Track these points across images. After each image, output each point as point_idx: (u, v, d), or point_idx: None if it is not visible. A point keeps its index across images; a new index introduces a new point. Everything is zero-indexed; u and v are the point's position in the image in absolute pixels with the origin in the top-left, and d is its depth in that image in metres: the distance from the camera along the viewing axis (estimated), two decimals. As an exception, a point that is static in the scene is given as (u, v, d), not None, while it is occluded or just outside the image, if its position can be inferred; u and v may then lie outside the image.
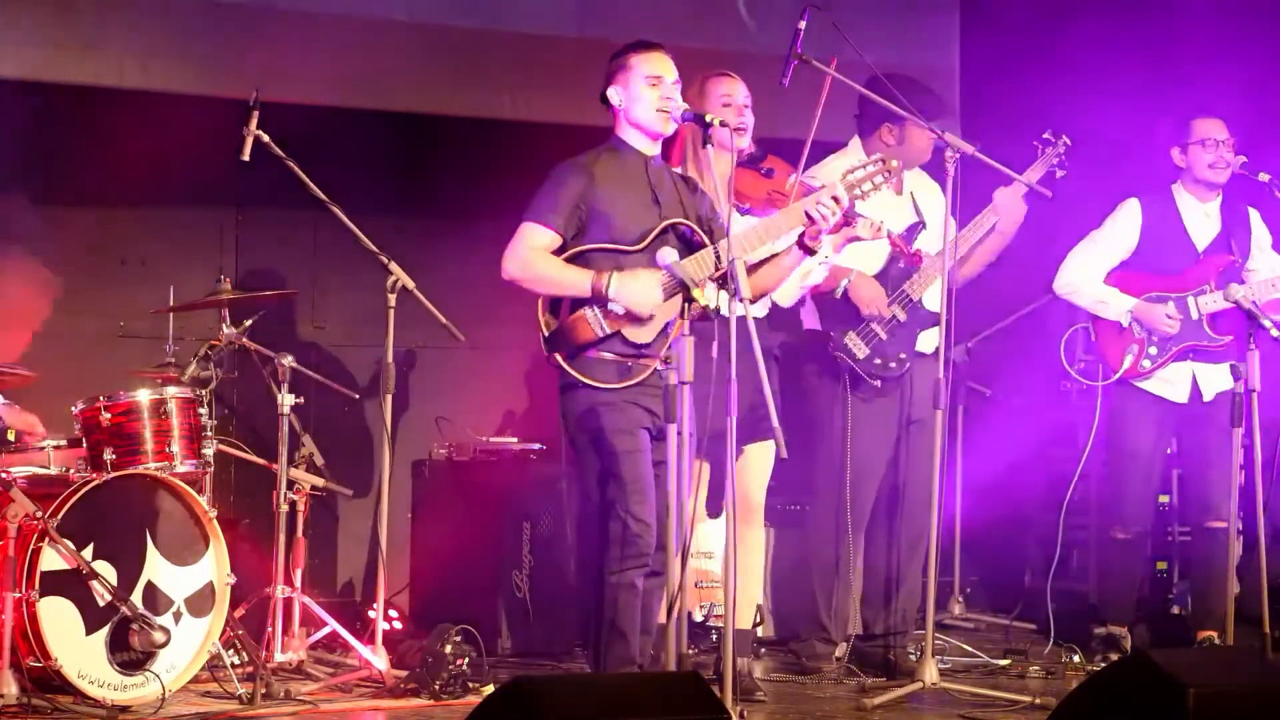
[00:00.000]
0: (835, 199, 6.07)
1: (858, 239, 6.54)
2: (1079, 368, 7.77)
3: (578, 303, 5.99)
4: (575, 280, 5.97)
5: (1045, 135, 7.09)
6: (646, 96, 6.11)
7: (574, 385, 6.03)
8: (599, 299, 5.94)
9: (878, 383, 7.05)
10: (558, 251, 6.04)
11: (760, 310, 6.77)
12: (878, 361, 7.04)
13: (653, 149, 6.20)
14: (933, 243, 7.12)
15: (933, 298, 7.12)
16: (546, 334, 6.04)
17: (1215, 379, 7.49)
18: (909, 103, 6.86)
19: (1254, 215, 7.66)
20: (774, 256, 6.25)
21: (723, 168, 6.48)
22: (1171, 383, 7.53)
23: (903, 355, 7.07)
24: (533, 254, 6.02)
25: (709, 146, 5.97)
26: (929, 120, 6.89)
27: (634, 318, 5.97)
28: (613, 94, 6.15)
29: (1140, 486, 7.62)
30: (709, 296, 5.91)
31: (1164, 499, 8.31)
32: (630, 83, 6.13)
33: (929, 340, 7.15)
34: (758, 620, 7.48)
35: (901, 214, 7.11)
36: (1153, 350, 7.50)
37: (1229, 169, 7.50)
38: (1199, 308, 7.48)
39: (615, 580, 5.99)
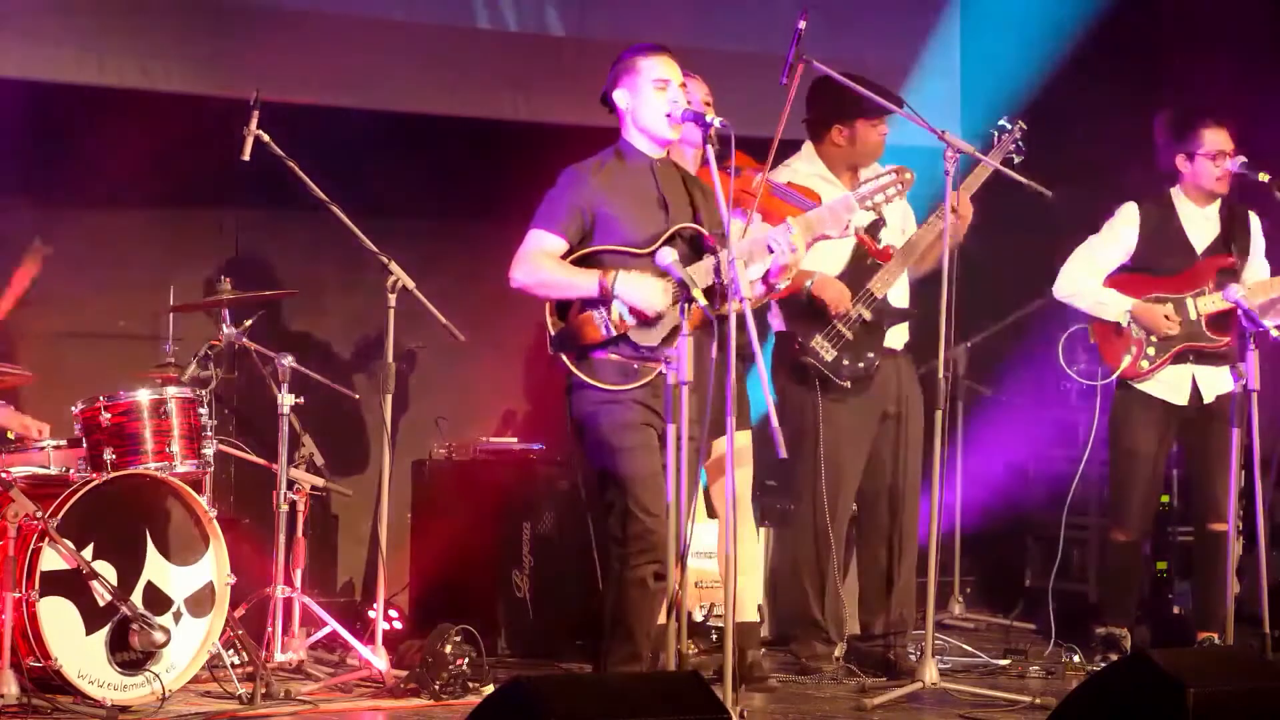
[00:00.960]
0: (788, 239, 6.03)
1: (825, 237, 6.53)
2: (1078, 368, 7.77)
3: (585, 303, 6.00)
4: (582, 282, 5.97)
5: (1001, 121, 7.09)
6: (654, 100, 6.10)
7: (580, 385, 6.03)
8: (605, 297, 5.94)
9: (847, 384, 7.04)
10: (565, 255, 6.04)
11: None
12: (845, 363, 7.03)
13: (659, 151, 6.20)
14: (893, 239, 7.11)
15: (898, 294, 7.13)
16: (553, 333, 6.04)
17: (1215, 381, 7.49)
18: (868, 99, 6.88)
19: (1254, 220, 7.65)
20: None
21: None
22: (1171, 384, 7.52)
23: (871, 354, 7.06)
24: (539, 260, 6.02)
25: (709, 146, 5.96)
26: (917, 119, 6.88)
27: (640, 318, 5.97)
28: (620, 97, 6.13)
29: (1141, 488, 7.62)
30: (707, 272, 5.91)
31: (1164, 500, 8.31)
32: (638, 86, 6.12)
33: (897, 336, 7.16)
34: (759, 620, 7.49)
35: (859, 212, 7.07)
36: (1151, 351, 7.50)
37: (1230, 178, 7.51)
38: (1197, 309, 7.48)
39: (626, 576, 5.99)
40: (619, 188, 6.09)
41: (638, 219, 6.06)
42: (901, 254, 7.06)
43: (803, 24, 6.65)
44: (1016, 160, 7.01)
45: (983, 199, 7.07)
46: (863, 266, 7.03)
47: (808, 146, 7.24)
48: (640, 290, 5.94)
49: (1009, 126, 7.05)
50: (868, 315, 7.04)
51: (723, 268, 5.89)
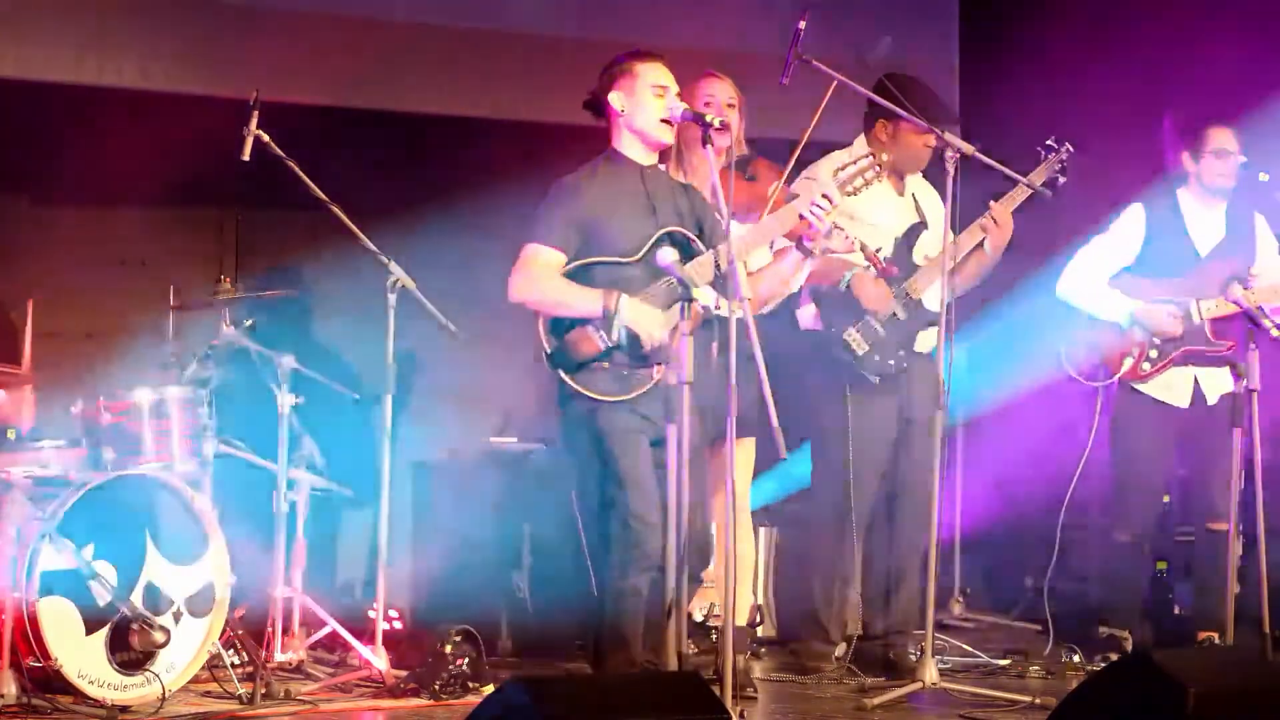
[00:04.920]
0: (827, 198, 6.05)
1: (831, 251, 6.55)
2: (1079, 369, 7.76)
3: (580, 319, 6.00)
4: (585, 303, 5.98)
5: (1049, 142, 7.08)
6: (652, 106, 6.11)
7: (574, 396, 6.04)
8: (607, 320, 5.95)
9: (876, 379, 7.05)
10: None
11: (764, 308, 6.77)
12: (876, 359, 7.04)
13: (650, 158, 6.20)
14: (934, 245, 7.11)
15: (933, 298, 7.13)
16: (548, 349, 6.05)
17: (1218, 382, 7.47)
18: (916, 107, 6.85)
19: (1260, 221, 7.65)
20: (771, 264, 6.25)
21: (708, 167, 6.50)
22: (1173, 388, 7.52)
23: (901, 353, 7.07)
24: (540, 275, 6.04)
25: (708, 146, 5.96)
26: (932, 123, 6.87)
27: (636, 343, 5.98)
28: (615, 100, 6.14)
29: (1142, 490, 7.63)
30: (708, 298, 5.91)
31: (1164, 499, 8.30)
32: (636, 90, 6.13)
33: (927, 340, 7.15)
34: (758, 620, 7.48)
35: (903, 215, 7.12)
36: (1153, 354, 7.50)
37: (1236, 177, 7.51)
38: (1201, 313, 7.47)
39: (620, 585, 6.00)
40: (610, 196, 6.10)
41: (628, 227, 6.08)
42: (939, 260, 7.05)
43: (803, 24, 6.65)
44: (1061, 181, 7.01)
45: (984, 199, 7.07)
46: (901, 265, 7.03)
47: (860, 139, 7.23)
48: (644, 319, 5.95)
49: (1055, 147, 7.05)
50: (902, 314, 7.04)
51: (722, 262, 5.89)
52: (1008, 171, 6.93)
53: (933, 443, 6.76)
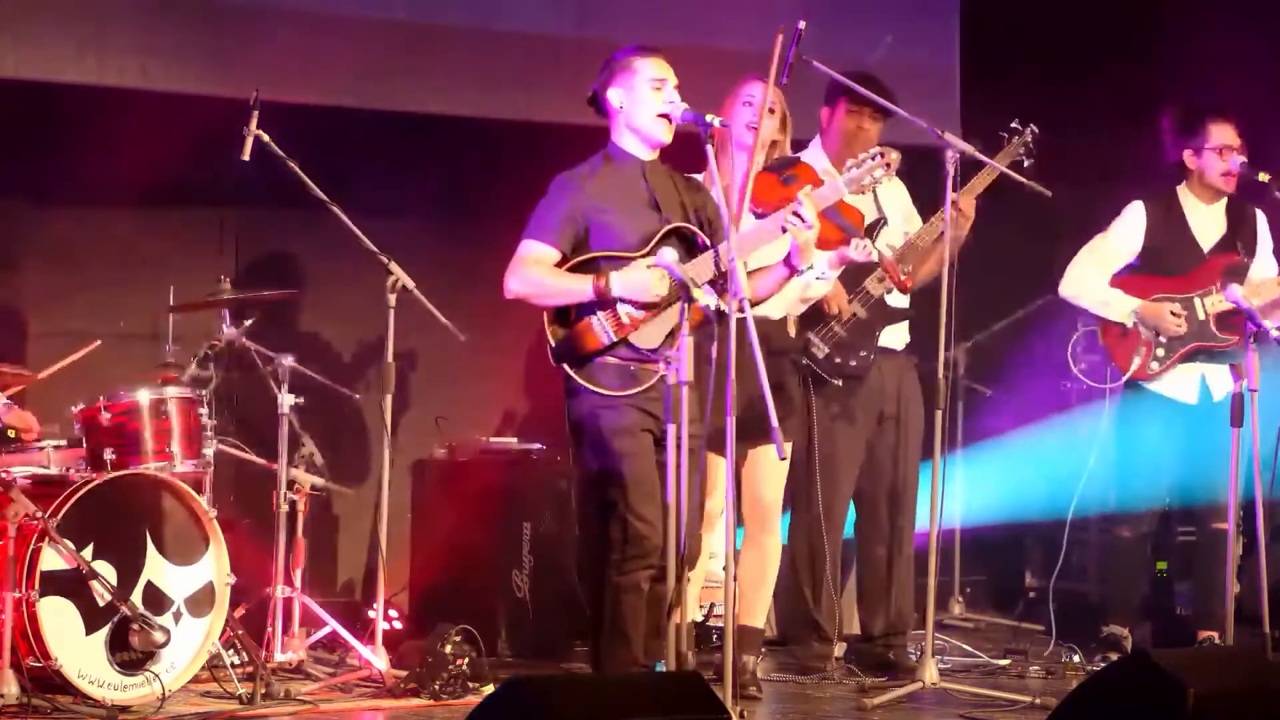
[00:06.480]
0: (799, 215, 6.02)
1: (849, 261, 6.55)
2: (1084, 368, 7.76)
3: (583, 312, 6.00)
4: (577, 286, 5.99)
5: (1013, 124, 7.09)
6: (650, 100, 6.10)
7: (577, 390, 6.04)
8: (601, 298, 5.95)
9: (838, 382, 7.04)
10: (560, 264, 6.05)
11: (778, 312, 6.76)
12: (838, 360, 7.03)
13: (650, 154, 6.19)
14: (895, 240, 7.10)
15: (896, 295, 7.12)
16: (554, 344, 6.06)
17: (1225, 380, 7.47)
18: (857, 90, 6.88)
19: (1260, 219, 7.65)
20: (768, 266, 6.25)
21: (740, 166, 6.49)
22: (1180, 384, 7.52)
23: (864, 352, 7.06)
24: (533, 269, 6.04)
25: (709, 146, 5.96)
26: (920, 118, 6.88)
27: (638, 318, 5.97)
28: (614, 96, 6.14)
29: (1147, 487, 7.63)
30: (708, 298, 5.91)
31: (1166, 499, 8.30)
32: (634, 85, 6.12)
33: (895, 336, 7.16)
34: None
35: (862, 211, 7.07)
36: (1160, 352, 7.49)
37: (1239, 174, 7.50)
38: (1205, 308, 7.47)
39: (620, 581, 5.99)
40: (610, 192, 6.09)
41: (631, 222, 6.07)
42: (901, 255, 7.06)
43: (803, 24, 6.65)
44: (1026, 164, 7.00)
45: (982, 198, 7.07)
46: (860, 265, 7.02)
47: (815, 142, 7.24)
48: (635, 284, 5.96)
49: (1019, 129, 7.05)
50: (862, 314, 7.04)
51: (722, 261, 5.89)
52: (993, 163, 6.93)
53: (930, 441, 6.75)
